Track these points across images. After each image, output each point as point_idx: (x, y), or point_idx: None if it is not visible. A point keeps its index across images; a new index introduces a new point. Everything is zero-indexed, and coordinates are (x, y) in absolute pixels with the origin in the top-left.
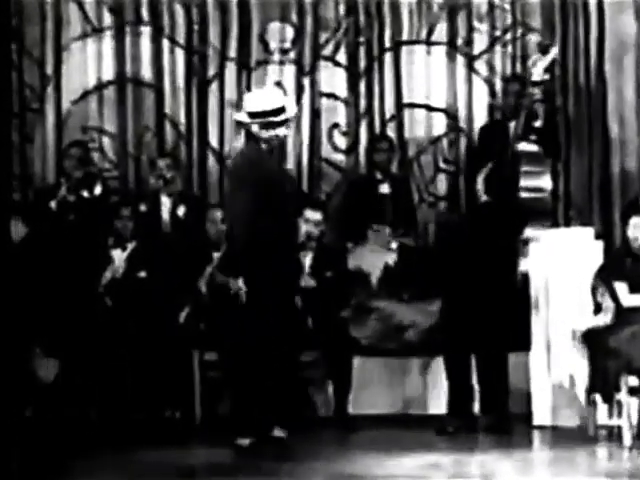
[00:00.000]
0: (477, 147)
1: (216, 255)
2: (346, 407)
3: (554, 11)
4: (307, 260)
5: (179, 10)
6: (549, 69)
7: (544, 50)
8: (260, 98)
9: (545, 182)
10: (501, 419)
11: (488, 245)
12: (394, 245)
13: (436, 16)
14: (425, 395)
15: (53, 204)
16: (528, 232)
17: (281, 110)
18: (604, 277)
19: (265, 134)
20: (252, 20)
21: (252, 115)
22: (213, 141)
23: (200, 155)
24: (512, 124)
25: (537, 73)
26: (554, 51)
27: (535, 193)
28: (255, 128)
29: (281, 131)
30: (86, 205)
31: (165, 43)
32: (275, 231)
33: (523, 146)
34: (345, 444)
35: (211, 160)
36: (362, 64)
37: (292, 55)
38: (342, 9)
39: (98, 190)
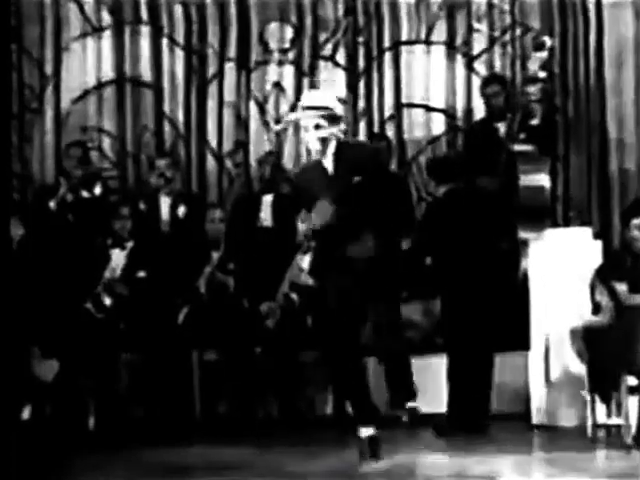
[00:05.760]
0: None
1: (215, 255)
2: (345, 406)
3: (553, 11)
4: (306, 259)
5: (178, 10)
6: (545, 66)
7: (538, 47)
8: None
9: (543, 181)
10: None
11: (489, 244)
12: None
13: (435, 16)
14: (425, 394)
15: (52, 204)
16: (527, 232)
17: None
18: (603, 277)
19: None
20: (251, 20)
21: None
22: (212, 141)
23: (199, 155)
24: (500, 125)
25: (532, 70)
26: (548, 48)
27: (532, 192)
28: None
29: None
30: (85, 205)
31: (164, 43)
32: None
33: (519, 145)
34: (345, 444)
35: (210, 160)
36: (361, 64)
37: (291, 55)
38: (341, 9)
39: (98, 190)
